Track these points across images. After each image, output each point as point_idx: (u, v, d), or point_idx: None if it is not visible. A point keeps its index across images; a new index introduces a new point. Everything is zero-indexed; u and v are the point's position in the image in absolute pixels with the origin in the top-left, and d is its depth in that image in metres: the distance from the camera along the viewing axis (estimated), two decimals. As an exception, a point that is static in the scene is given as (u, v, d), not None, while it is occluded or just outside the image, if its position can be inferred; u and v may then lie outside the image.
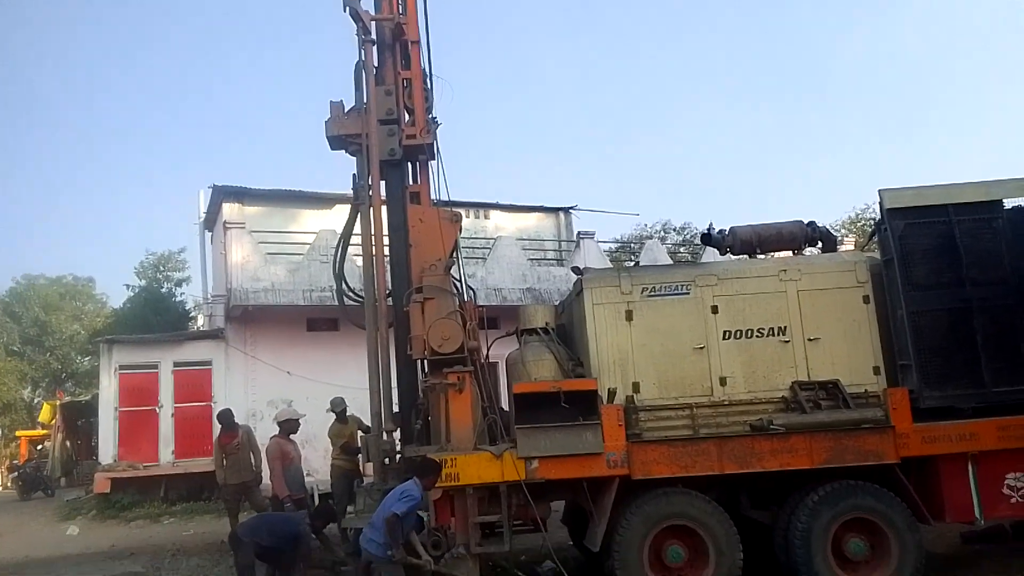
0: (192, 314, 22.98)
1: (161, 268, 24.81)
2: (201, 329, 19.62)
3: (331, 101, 8.68)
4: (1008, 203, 8.02)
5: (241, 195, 17.87)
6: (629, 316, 7.73)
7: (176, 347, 16.27)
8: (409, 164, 8.74)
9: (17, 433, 28.47)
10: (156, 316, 21.17)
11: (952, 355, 7.53)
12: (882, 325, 7.79)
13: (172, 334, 17.46)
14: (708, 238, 8.49)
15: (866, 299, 7.84)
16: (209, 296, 18.83)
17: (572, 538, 9.34)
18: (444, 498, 7.07)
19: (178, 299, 23.93)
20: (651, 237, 25.15)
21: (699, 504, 7.08)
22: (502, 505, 7.02)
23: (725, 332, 7.73)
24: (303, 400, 15.44)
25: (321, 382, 15.33)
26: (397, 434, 8.01)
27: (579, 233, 19.11)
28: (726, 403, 7.59)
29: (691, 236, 30.49)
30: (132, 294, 23.81)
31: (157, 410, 15.66)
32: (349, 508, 9.22)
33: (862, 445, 7.19)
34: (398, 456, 7.85)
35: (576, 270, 8.20)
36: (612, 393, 7.30)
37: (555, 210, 20.94)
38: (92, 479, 15.75)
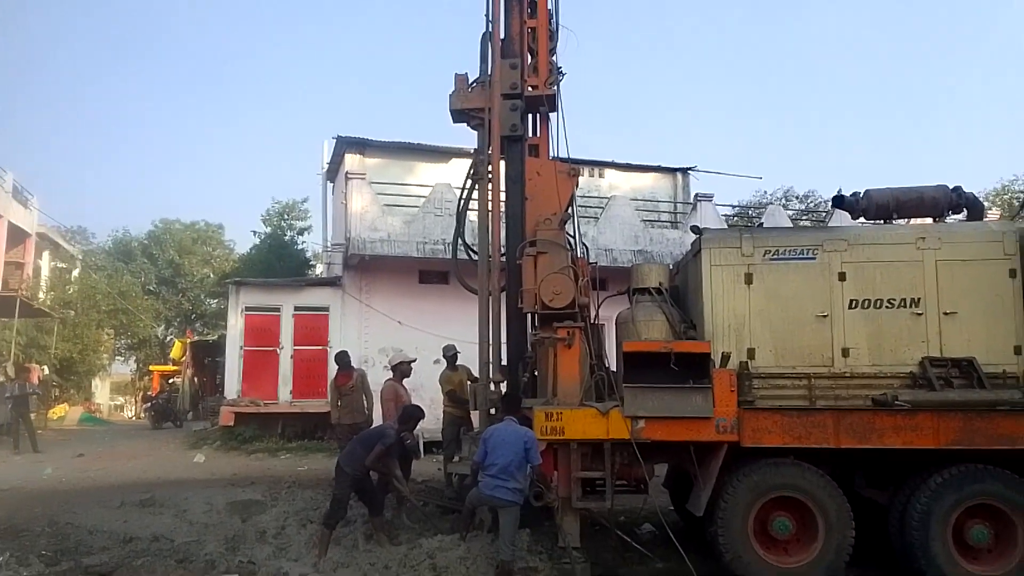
0: (312, 262, 23.93)
1: (285, 216, 25.88)
2: (320, 276, 20.38)
3: (456, 73, 8.74)
4: None
5: (363, 146, 18.29)
6: (748, 279, 7.43)
7: (297, 292, 16.96)
8: (529, 115, 8.68)
9: (151, 367, 30.62)
10: (280, 262, 22.15)
11: (1104, 338, 6.89)
12: (1030, 302, 7.19)
13: (293, 279, 18.21)
14: (840, 201, 8.03)
15: (1012, 273, 7.25)
16: (329, 245, 19.49)
17: (673, 503, 9.23)
18: (548, 451, 7.08)
19: (300, 247, 24.96)
20: (772, 203, 24.12)
21: (811, 477, 6.81)
22: (605, 463, 6.97)
23: (852, 301, 7.32)
24: (412, 350, 15.67)
25: (430, 333, 15.63)
26: (504, 385, 8.08)
27: (697, 195, 18.54)
28: (847, 375, 7.22)
29: (815, 204, 29.12)
30: (258, 241, 24.99)
31: (278, 351, 16.43)
32: (455, 455, 9.49)
33: (995, 428, 6.71)
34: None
35: (695, 229, 7.93)
36: (726, 358, 7.07)
37: (672, 170, 20.35)
38: (218, 412, 16.76)
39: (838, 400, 7.14)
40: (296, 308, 16.70)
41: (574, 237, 8.48)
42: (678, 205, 19.99)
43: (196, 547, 7.76)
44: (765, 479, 6.84)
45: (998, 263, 7.29)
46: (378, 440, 7.69)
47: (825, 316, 7.32)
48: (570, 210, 8.34)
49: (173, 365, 27.44)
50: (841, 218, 17.63)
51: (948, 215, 7.91)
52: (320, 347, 16.51)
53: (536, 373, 7.94)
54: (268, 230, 25.28)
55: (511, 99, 8.38)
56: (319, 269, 23.15)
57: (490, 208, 8.53)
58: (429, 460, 12.86)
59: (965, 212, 7.96)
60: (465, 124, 8.91)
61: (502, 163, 8.46)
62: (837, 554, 6.67)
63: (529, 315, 8.06)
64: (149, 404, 24.75)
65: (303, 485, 10.16)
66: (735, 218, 20.87)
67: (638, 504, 8.12)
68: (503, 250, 8.48)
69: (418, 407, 8.22)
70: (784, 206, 24.77)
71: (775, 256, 7.48)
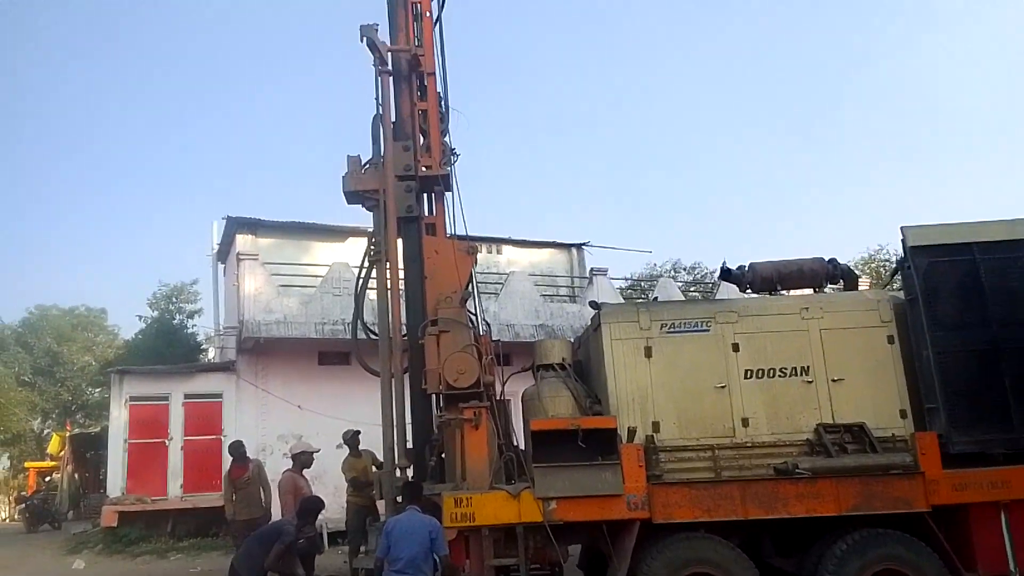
0: (204, 346, 22.94)
1: (174, 299, 24.79)
2: (213, 361, 19.53)
3: (348, 156, 8.72)
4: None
5: (254, 226, 17.88)
6: (648, 352, 7.58)
7: (187, 379, 16.14)
8: (425, 195, 8.72)
9: (26, 464, 28.36)
10: (168, 348, 21.11)
11: (981, 398, 7.37)
12: (907, 366, 7.61)
13: (184, 365, 17.35)
14: (727, 273, 8.37)
15: (890, 339, 7.68)
16: (221, 328, 18.75)
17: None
18: (458, 539, 6.87)
19: (190, 331, 23.91)
20: (662, 276, 25.00)
21: (723, 550, 6.85)
22: (519, 548, 6.81)
23: (747, 371, 7.56)
24: (313, 435, 15.14)
25: (332, 416, 15.13)
26: (410, 471, 7.84)
27: (592, 269, 19.00)
28: (748, 445, 7.39)
29: (701, 276, 30.38)
30: (144, 326, 23.81)
31: (167, 443, 15.47)
32: (362, 548, 9.06)
33: (891, 492, 6.97)
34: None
35: (594, 304, 8.08)
36: (632, 432, 7.13)
37: (568, 246, 20.85)
38: (100, 512, 15.57)
39: (742, 470, 7.28)
40: (187, 396, 15.86)
41: (475, 314, 8.46)
42: (575, 279, 20.40)
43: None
44: (679, 555, 6.82)
45: (877, 330, 7.72)
46: (276, 538, 7.28)
47: (723, 386, 7.51)
48: (470, 287, 8.34)
49: (51, 461, 25.46)
50: (728, 289, 18.48)
51: (826, 285, 8.34)
52: (213, 436, 15.68)
53: (443, 456, 7.77)
54: (155, 314, 24.15)
55: (405, 180, 8.40)
56: (211, 354, 22.19)
57: (389, 288, 8.42)
58: (334, 552, 12.25)
59: (841, 282, 8.41)
60: (360, 205, 8.86)
61: (400, 243, 8.41)
62: (752, 626, 6.69)
63: (434, 396, 7.92)
64: (24, 505, 22.72)
65: (195, 590, 9.45)
66: (629, 291, 21.46)
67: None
68: (404, 330, 8.35)
69: (317, 499, 7.86)
70: (673, 278, 25.69)
71: (672, 329, 7.68)
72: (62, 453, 24.18)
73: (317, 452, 9.50)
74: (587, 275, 19.44)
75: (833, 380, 7.54)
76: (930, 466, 7.03)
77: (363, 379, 17.03)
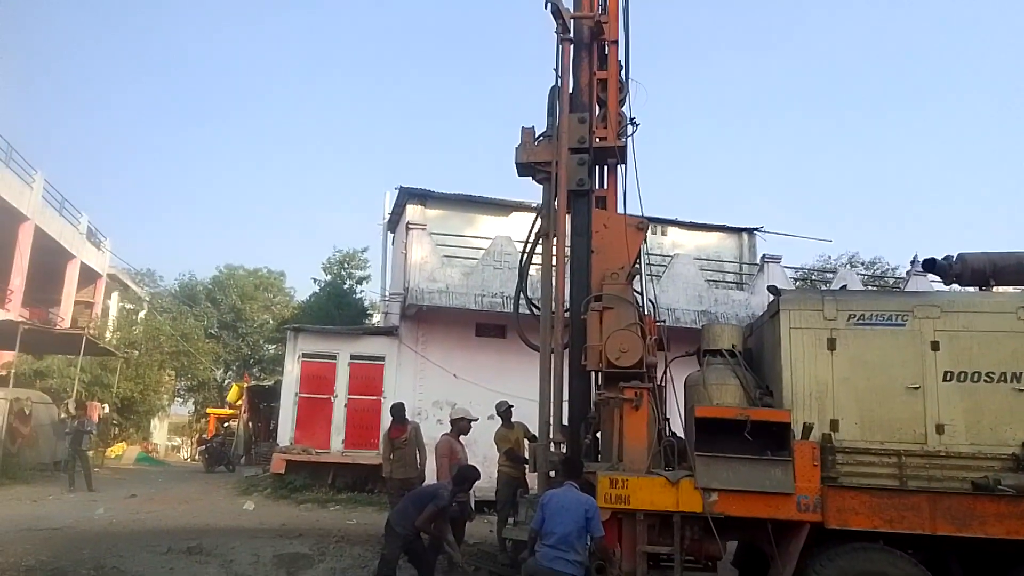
0: (369, 311, 23.94)
1: (345, 265, 26.07)
2: (377, 325, 20.32)
3: (523, 127, 8.61)
4: None
5: (424, 197, 18.34)
6: (832, 345, 6.94)
7: (354, 340, 16.85)
8: (597, 167, 8.47)
9: (208, 410, 30.89)
10: (338, 310, 22.20)
11: None
12: None
13: (351, 327, 18.15)
14: (932, 264, 7.53)
15: (1125, 349, 6.60)
16: (387, 294, 19.44)
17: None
18: (611, 520, 6.61)
19: (358, 296, 25.04)
20: (837, 268, 23.33)
21: (905, 566, 6.19)
22: (674, 537, 6.47)
23: (947, 373, 6.76)
24: (467, 404, 15.35)
25: (486, 387, 15.32)
26: (564, 447, 7.67)
27: (764, 256, 17.97)
28: (942, 454, 6.62)
29: (882, 271, 28.20)
30: (318, 289, 25.17)
31: (332, 399, 16.25)
32: (510, 520, 9.04)
33: (1110, 518, 6.01)
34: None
35: (773, 289, 7.50)
36: (808, 428, 6.56)
37: (738, 230, 19.86)
38: (270, 458, 16.63)
39: (931, 481, 6.53)
40: (352, 356, 16.55)
41: (641, 294, 8.13)
42: (744, 266, 19.43)
43: (239, 601, 7.49)
44: (853, 565, 6.24)
45: (1109, 338, 6.67)
46: (431, 500, 7.34)
47: (917, 388, 6.76)
48: (638, 265, 8.01)
49: (229, 408, 27.62)
50: (917, 285, 16.94)
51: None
52: (374, 397, 16.30)
53: (599, 435, 7.54)
54: (328, 278, 25.48)
55: (579, 153, 8.18)
56: (376, 318, 23.13)
57: (554, 261, 8.26)
58: (480, 521, 12.38)
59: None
60: (530, 178, 8.74)
61: (568, 218, 8.21)
62: (932, 653, 6.01)
63: (593, 373, 7.69)
64: (204, 447, 24.82)
65: (351, 541, 9.81)
66: (800, 282, 20.17)
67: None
68: (567, 305, 8.17)
69: (474, 468, 7.86)
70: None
71: (860, 321, 6.98)
72: (239, 402, 26.13)
73: (475, 420, 9.53)
74: (758, 262, 18.45)
75: (1050, 390, 6.60)
76: None
77: (518, 353, 17.06)
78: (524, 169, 8.66)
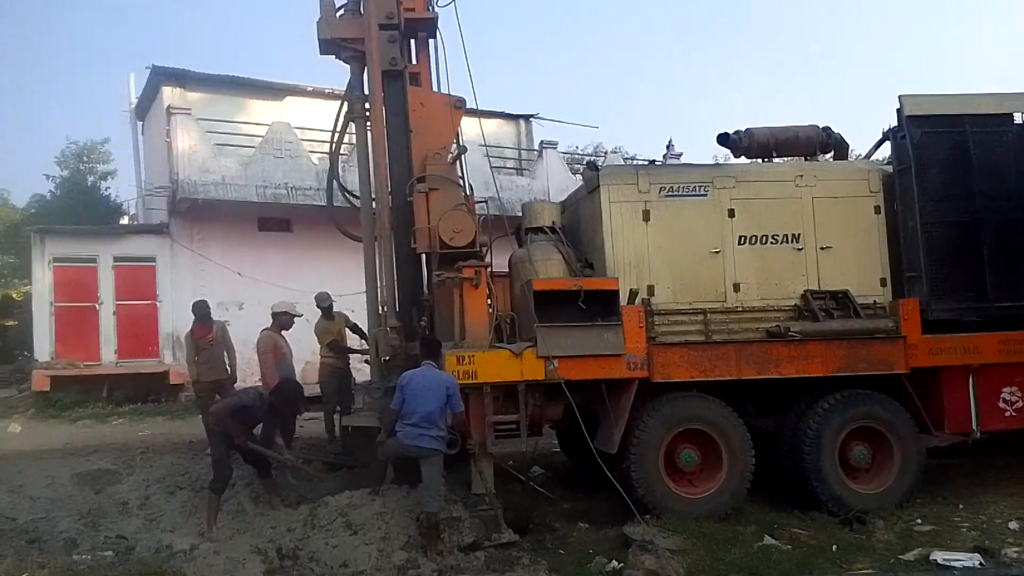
0: (123, 208, 21.48)
1: (84, 159, 22.97)
2: (136, 224, 18.39)
3: None
4: (1018, 118, 8.05)
5: (182, 79, 16.46)
6: (646, 216, 7.45)
7: (116, 241, 15.17)
8: (410, 41, 8.12)
9: None
10: (84, 209, 19.71)
11: (959, 268, 7.61)
12: (890, 236, 7.77)
13: (111, 226, 16.35)
14: (725, 138, 8.21)
15: (877, 209, 7.79)
16: (148, 188, 17.53)
17: (560, 444, 9.30)
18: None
19: (105, 193, 22.29)
20: (606, 154, 24.78)
21: (716, 409, 7.05)
22: (520, 405, 6.79)
23: (741, 237, 7.56)
24: (255, 303, 14.73)
25: (275, 284, 14.67)
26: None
27: (542, 142, 18.58)
28: (739, 309, 7.49)
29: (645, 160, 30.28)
30: (53, 187, 22.05)
31: (97, 307, 14.67)
32: (336, 409, 8.93)
33: (874, 354, 7.24)
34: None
35: (592, 165, 7.83)
36: (634, 294, 7.09)
37: (516, 117, 20.26)
38: (22, 377, 14.84)
39: (731, 334, 7.39)
40: (116, 259, 14.93)
41: (462, 176, 8.09)
42: (523, 152, 19.95)
43: (46, 525, 6.84)
44: (675, 413, 6.98)
45: (865, 200, 7.81)
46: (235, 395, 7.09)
47: (718, 252, 7.51)
48: (463, 145, 7.96)
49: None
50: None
51: (819, 155, 8.33)
52: (148, 301, 14.99)
53: (431, 317, 7.57)
54: (65, 174, 22.35)
55: (388, 29, 7.76)
56: (131, 215, 20.79)
57: (372, 147, 7.93)
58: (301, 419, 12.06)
59: (832, 152, 8.41)
60: (334, 56, 8.20)
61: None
62: (740, 480, 6.99)
63: (423, 256, 7.63)
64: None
65: (158, 451, 9.13)
66: (576, 166, 21.19)
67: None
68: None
69: (298, 384, 7.53)
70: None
71: (670, 193, 7.54)
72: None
73: (300, 317, 9.07)
74: (536, 148, 19.04)
75: (821, 248, 7.64)
76: (911, 331, 7.32)
77: (304, 247, 16.58)
78: (328, 46, 8.11)
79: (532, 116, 20.29)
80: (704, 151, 55.67)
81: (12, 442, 10.72)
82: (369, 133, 8.06)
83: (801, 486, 7.22)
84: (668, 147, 20.52)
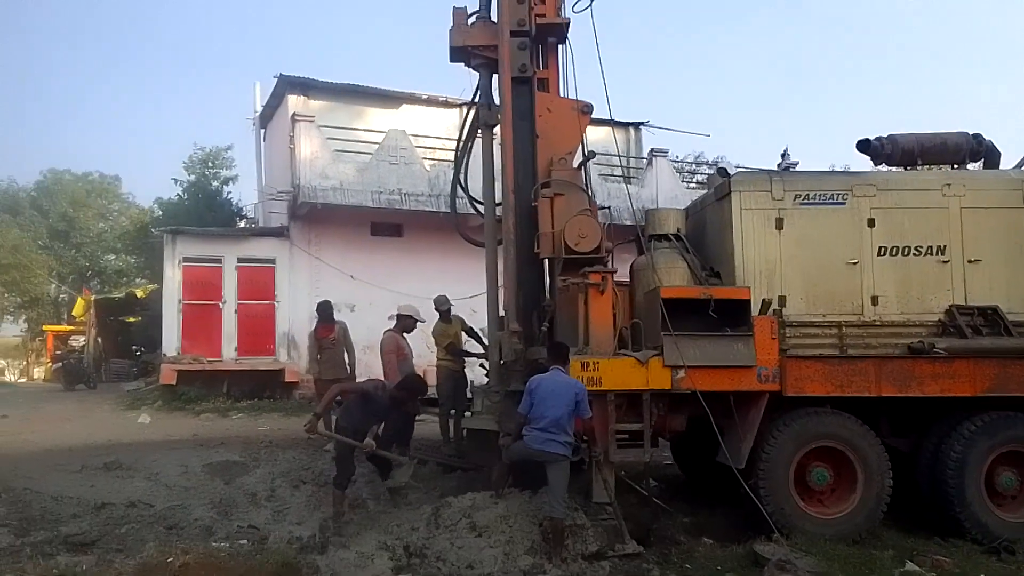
0: (243, 212, 22.42)
1: (209, 164, 24.15)
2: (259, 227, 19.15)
3: (454, 7, 8.10)
4: None
5: (307, 87, 17.02)
6: (779, 224, 7.19)
7: (240, 242, 15.87)
8: (538, 47, 8.13)
9: (44, 327, 28.39)
10: (209, 212, 20.71)
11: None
12: (1047, 250, 7.23)
13: (237, 229, 17.11)
14: (866, 145, 7.85)
15: (1032, 221, 7.26)
16: (271, 193, 18.23)
17: (675, 457, 9.09)
18: (582, 403, 6.68)
19: (227, 196, 23.32)
20: (717, 162, 24.26)
21: (852, 426, 6.70)
22: (644, 414, 6.63)
23: (881, 248, 7.20)
24: (366, 305, 15.18)
25: (384, 288, 15.00)
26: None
27: (652, 150, 18.34)
28: (876, 323, 7.12)
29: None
30: (181, 190, 23.24)
31: (221, 305, 15.35)
32: (452, 411, 9.00)
33: (1028, 375, 6.72)
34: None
35: (722, 172, 7.63)
36: (767, 304, 6.83)
37: (626, 125, 20.06)
38: (128, 375, 15.59)
39: (868, 348, 7.03)
40: (240, 260, 15.58)
41: (587, 182, 8.03)
42: (631, 160, 19.73)
43: (182, 512, 7.09)
44: (808, 429, 6.68)
45: (1019, 211, 7.31)
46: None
47: (855, 263, 7.17)
48: (590, 151, 7.92)
49: (69, 325, 25.42)
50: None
51: (968, 162, 7.85)
52: (267, 302, 15.57)
53: (552, 322, 7.50)
54: (191, 178, 23.54)
55: (519, 36, 7.78)
56: (250, 218, 21.65)
57: (501, 154, 7.94)
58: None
59: (983, 160, 7.91)
60: (463, 64, 8.30)
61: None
62: (876, 503, 6.62)
63: (546, 262, 7.59)
64: (61, 364, 22.77)
65: (280, 445, 9.45)
66: (686, 175, 20.82)
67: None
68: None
69: (422, 380, 7.64)
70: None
71: (806, 200, 7.27)
72: (84, 316, 24.13)
73: (422, 323, 9.21)
74: (645, 156, 18.80)
75: (969, 261, 7.20)
76: (1070, 351, 6.77)
77: (413, 252, 16.86)
78: (458, 54, 8.20)
79: (642, 124, 20.03)
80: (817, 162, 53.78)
81: (145, 432, 11.32)
82: (496, 139, 8.10)
83: (941, 511, 6.78)
84: (783, 155, 19.85)
